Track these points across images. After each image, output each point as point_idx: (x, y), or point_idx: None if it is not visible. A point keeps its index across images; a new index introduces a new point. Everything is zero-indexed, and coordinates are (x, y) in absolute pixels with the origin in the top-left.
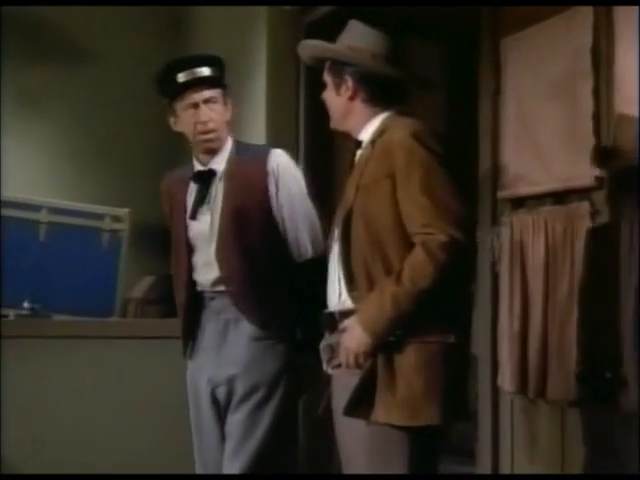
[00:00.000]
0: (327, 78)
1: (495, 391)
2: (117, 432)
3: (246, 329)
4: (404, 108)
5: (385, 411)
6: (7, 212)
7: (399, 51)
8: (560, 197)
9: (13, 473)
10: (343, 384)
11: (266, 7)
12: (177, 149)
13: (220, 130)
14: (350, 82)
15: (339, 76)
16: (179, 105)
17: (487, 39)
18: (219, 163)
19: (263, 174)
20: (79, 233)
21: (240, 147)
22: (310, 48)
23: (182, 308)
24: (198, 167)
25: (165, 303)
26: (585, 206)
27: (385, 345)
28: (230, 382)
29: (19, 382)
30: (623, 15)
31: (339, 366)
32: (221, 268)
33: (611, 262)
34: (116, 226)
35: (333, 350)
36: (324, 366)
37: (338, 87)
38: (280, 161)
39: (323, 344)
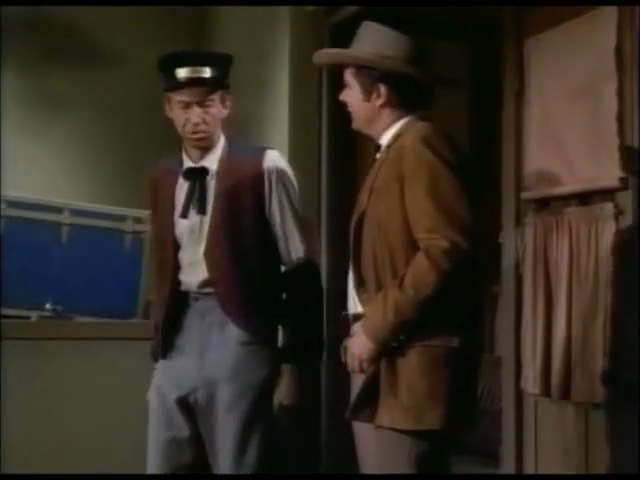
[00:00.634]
0: (352, 82)
1: (519, 393)
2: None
3: (232, 333)
4: (426, 112)
5: (388, 415)
6: (29, 214)
7: (428, 54)
8: (584, 198)
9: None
10: (356, 384)
11: (289, 8)
12: None
13: (212, 130)
14: (383, 89)
15: (370, 83)
16: (174, 98)
17: (510, 40)
18: (211, 161)
19: (257, 174)
20: (101, 235)
21: (233, 146)
22: (335, 57)
23: (163, 308)
24: (189, 163)
25: None
26: (609, 207)
27: (389, 350)
28: (212, 386)
29: (39, 384)
30: None
31: None
32: (210, 269)
33: (635, 263)
34: (138, 228)
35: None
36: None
37: (369, 94)
38: (275, 162)
39: (342, 346)
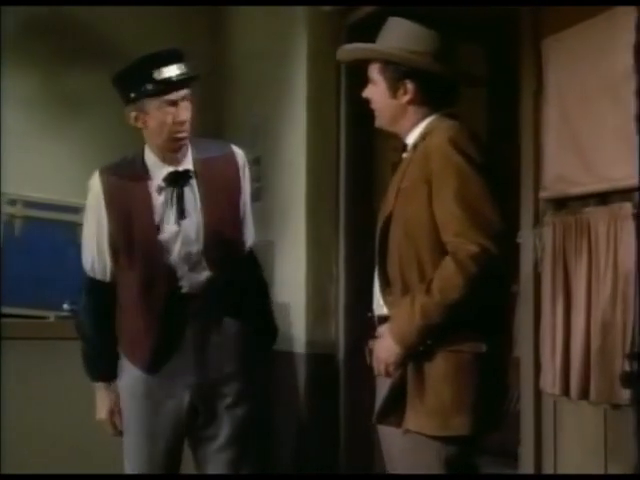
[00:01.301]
0: (377, 79)
1: (538, 393)
2: None
3: (231, 329)
4: (452, 109)
5: (415, 420)
6: (45, 214)
7: (451, 50)
8: (603, 198)
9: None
10: (382, 388)
11: (305, 8)
12: None
13: (189, 129)
14: (410, 85)
15: (396, 79)
16: (152, 102)
17: (528, 39)
18: (189, 163)
19: (235, 171)
20: None
21: (197, 146)
22: (361, 52)
23: (156, 314)
24: (164, 167)
25: None
26: (628, 207)
27: (415, 354)
28: (216, 385)
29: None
30: None
31: None
32: (212, 268)
33: None
34: None
35: (372, 354)
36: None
37: (395, 90)
38: (244, 158)
39: (368, 348)
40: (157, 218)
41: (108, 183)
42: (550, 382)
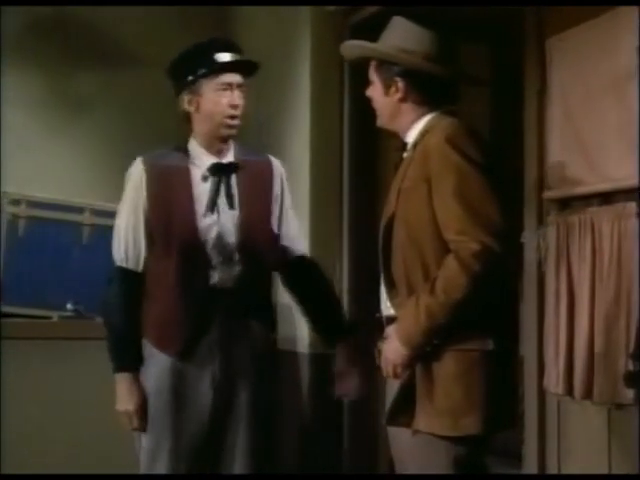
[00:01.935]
0: (374, 77)
1: (541, 393)
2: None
3: (256, 329)
4: (452, 108)
5: (426, 420)
6: (49, 214)
7: (449, 50)
8: (607, 197)
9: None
10: (393, 388)
11: (309, 8)
12: None
13: (241, 120)
14: (401, 84)
15: (388, 77)
16: (210, 84)
17: (532, 39)
18: (231, 157)
19: (270, 178)
20: None
21: (239, 146)
22: (358, 49)
23: (191, 300)
24: (211, 158)
25: None
26: (632, 207)
27: (423, 355)
28: (235, 382)
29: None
30: None
31: None
32: (245, 264)
33: None
34: None
35: (380, 355)
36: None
37: (387, 88)
38: (282, 170)
39: (377, 349)
40: (197, 207)
41: (150, 171)
42: (554, 382)
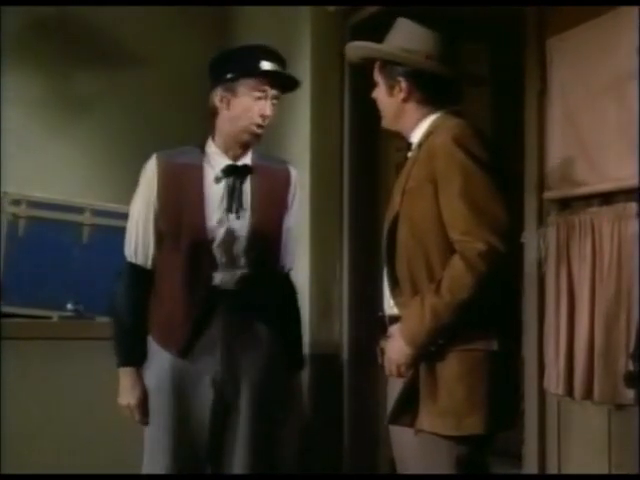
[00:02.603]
0: (378, 78)
1: (542, 393)
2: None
3: (260, 332)
4: (456, 108)
5: (429, 420)
6: (50, 214)
7: (451, 50)
8: (607, 198)
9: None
10: (395, 388)
11: (310, 8)
12: None
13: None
14: (404, 84)
15: (392, 77)
16: (247, 87)
17: (533, 39)
18: (248, 161)
19: (286, 186)
20: (122, 235)
21: (257, 152)
22: (361, 49)
23: (196, 299)
24: (223, 159)
25: None
26: (632, 207)
27: (427, 354)
28: (238, 381)
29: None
30: None
31: None
32: (250, 267)
33: None
34: None
35: (383, 354)
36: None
37: (391, 88)
38: (297, 179)
39: (379, 348)
40: (208, 206)
41: (163, 167)
42: (554, 382)
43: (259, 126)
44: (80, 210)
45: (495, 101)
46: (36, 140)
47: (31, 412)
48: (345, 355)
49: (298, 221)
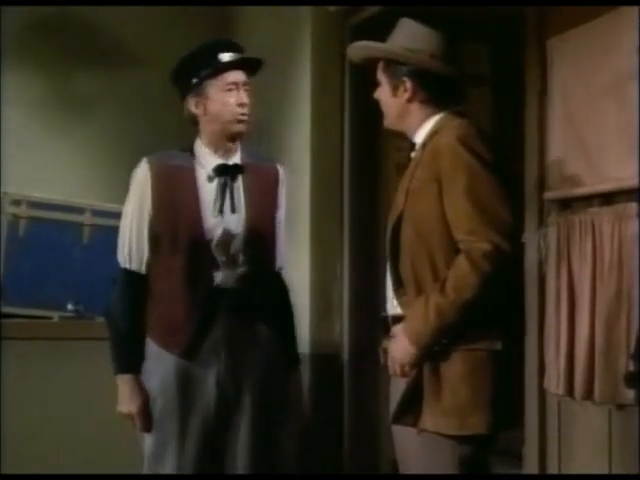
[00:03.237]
0: (382, 78)
1: (542, 393)
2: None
3: (261, 332)
4: (459, 108)
5: (432, 419)
6: (50, 215)
7: (454, 50)
8: (607, 198)
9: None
10: (397, 388)
11: (311, 8)
12: None
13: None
14: (408, 84)
15: (396, 77)
16: (215, 85)
17: (533, 39)
18: (237, 159)
19: (275, 184)
20: None
21: (246, 148)
22: (365, 49)
23: (197, 300)
24: (217, 159)
25: None
26: (632, 207)
27: (431, 354)
28: (240, 381)
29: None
30: None
31: None
32: (249, 265)
33: None
34: None
35: (386, 354)
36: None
37: (395, 89)
38: (285, 177)
39: (382, 347)
40: (203, 207)
41: (155, 171)
42: (554, 382)
43: (242, 114)
44: (80, 210)
45: (495, 101)
46: (36, 140)
47: (31, 412)
48: (345, 355)
49: (284, 220)
